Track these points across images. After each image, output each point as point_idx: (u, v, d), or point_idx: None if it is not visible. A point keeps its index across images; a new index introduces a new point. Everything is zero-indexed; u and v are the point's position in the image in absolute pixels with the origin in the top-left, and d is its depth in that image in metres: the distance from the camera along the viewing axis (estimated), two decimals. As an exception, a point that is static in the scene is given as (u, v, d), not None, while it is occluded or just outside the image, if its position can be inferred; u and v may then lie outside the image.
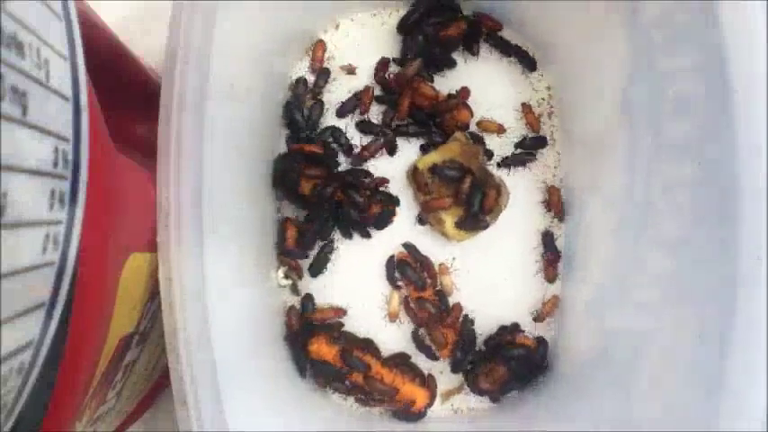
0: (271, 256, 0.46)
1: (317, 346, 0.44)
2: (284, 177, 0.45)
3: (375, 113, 0.48)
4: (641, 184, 0.39)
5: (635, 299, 0.39)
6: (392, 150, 0.48)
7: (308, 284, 0.47)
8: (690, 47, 0.34)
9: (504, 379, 0.45)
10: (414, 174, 0.46)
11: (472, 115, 0.47)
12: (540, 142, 0.48)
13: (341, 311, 0.46)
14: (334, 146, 0.47)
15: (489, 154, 0.48)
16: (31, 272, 0.17)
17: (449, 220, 0.46)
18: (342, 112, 0.48)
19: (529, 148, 0.48)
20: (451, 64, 0.48)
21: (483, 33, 0.48)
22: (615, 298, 0.41)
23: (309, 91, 0.48)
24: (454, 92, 0.47)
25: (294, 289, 0.47)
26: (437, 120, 0.48)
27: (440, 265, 0.47)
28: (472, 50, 0.48)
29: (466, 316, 0.47)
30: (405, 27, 0.47)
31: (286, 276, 0.47)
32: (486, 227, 0.45)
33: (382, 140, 0.47)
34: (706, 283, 0.33)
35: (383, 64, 0.48)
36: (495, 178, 0.46)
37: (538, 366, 0.46)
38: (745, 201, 0.30)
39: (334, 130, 0.47)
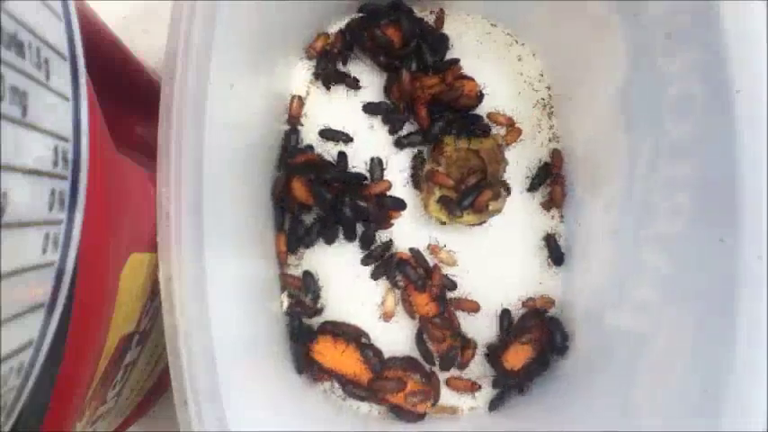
0: (271, 257, 0.46)
1: (321, 346, 0.44)
2: (283, 189, 0.45)
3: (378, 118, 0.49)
4: (641, 184, 0.39)
5: (635, 299, 0.39)
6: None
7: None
8: (690, 47, 0.34)
9: (531, 358, 0.45)
10: (441, 142, 0.47)
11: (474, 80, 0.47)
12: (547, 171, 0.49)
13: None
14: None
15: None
16: (31, 272, 0.17)
17: (437, 195, 0.46)
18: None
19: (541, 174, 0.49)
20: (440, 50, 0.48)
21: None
22: (615, 298, 0.41)
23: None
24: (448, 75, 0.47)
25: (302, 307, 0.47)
26: (455, 108, 0.47)
27: (429, 245, 0.47)
28: (424, 62, 0.47)
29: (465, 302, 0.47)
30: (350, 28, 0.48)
31: (289, 300, 0.47)
32: (459, 216, 0.45)
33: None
34: (706, 283, 0.33)
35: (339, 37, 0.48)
36: (501, 190, 0.46)
37: (558, 347, 0.45)
38: (745, 201, 0.30)
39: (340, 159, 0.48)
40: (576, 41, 0.45)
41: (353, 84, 0.48)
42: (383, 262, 0.47)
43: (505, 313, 0.47)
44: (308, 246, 0.47)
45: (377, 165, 0.48)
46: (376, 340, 0.47)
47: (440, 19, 0.48)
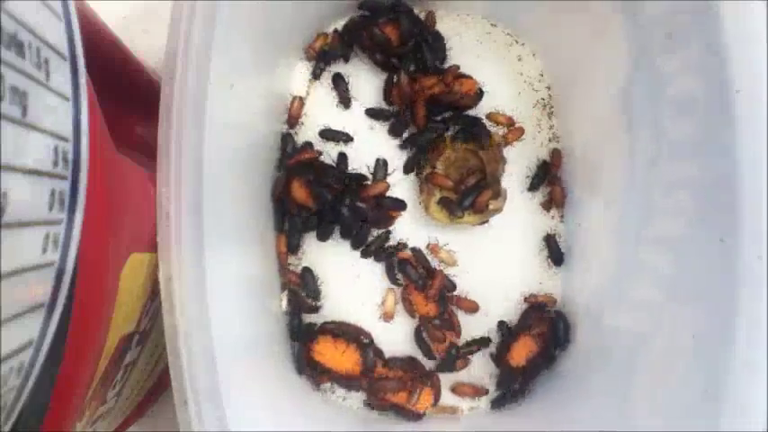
0: (272, 257, 0.46)
1: (321, 346, 0.44)
2: (282, 190, 0.45)
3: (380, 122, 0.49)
4: (641, 184, 0.39)
5: (635, 299, 0.39)
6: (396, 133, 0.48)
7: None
8: (690, 47, 0.34)
9: (535, 352, 0.45)
10: (439, 144, 0.47)
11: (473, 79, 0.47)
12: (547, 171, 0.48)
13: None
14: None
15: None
16: (31, 272, 0.17)
17: (437, 196, 0.46)
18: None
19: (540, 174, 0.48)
20: (439, 53, 0.48)
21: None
22: (615, 298, 0.41)
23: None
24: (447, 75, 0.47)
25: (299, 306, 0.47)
26: (454, 107, 0.47)
27: (429, 245, 0.47)
28: (423, 59, 0.47)
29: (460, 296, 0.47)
30: (349, 29, 0.47)
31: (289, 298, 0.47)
32: (460, 216, 0.45)
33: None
34: (706, 283, 0.33)
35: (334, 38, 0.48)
36: (502, 188, 0.46)
37: (561, 341, 0.45)
38: (745, 201, 0.30)
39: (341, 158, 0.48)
40: (576, 41, 0.45)
41: (345, 101, 0.48)
42: (383, 251, 0.47)
43: (502, 324, 0.47)
44: (303, 232, 0.47)
45: (381, 166, 0.48)
46: (376, 340, 0.47)
47: (429, 18, 0.48)
